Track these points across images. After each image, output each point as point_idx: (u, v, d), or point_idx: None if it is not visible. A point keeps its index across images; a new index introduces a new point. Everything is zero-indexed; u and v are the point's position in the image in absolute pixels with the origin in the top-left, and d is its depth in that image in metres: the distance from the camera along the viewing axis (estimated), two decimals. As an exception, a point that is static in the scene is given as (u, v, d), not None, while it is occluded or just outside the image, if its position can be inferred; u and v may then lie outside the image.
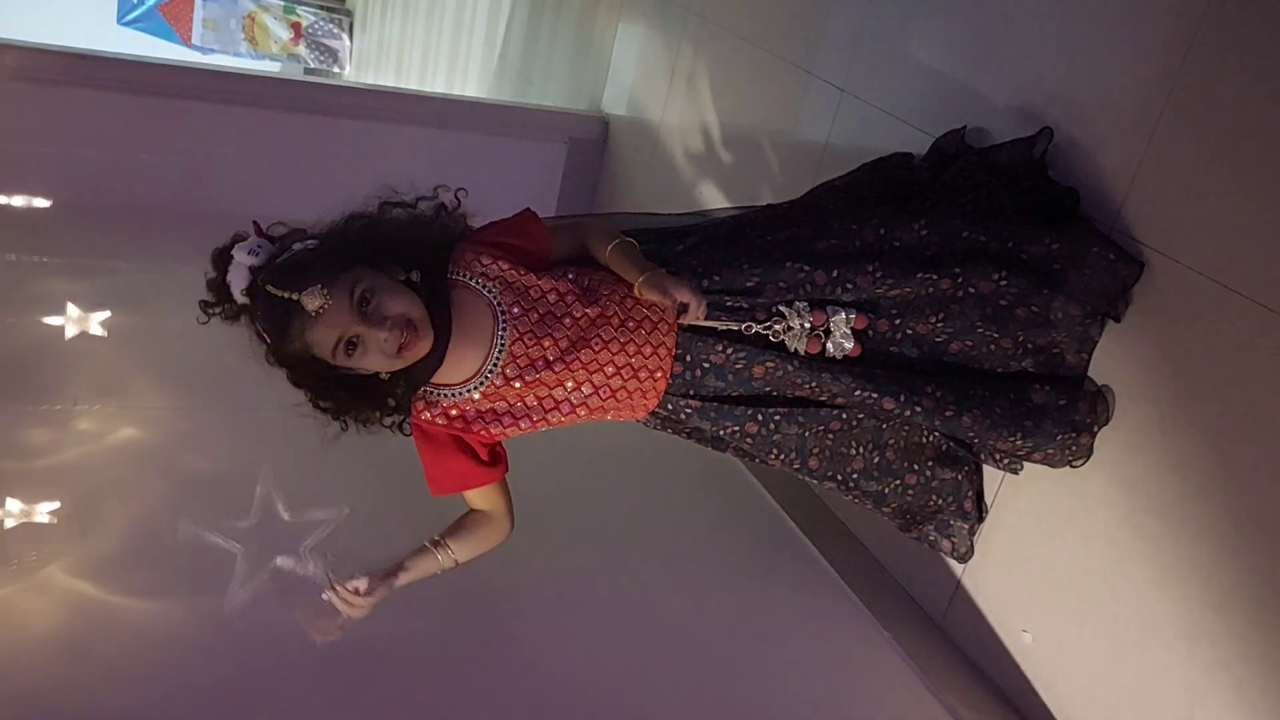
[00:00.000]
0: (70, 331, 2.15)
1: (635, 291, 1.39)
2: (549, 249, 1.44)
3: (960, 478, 1.67)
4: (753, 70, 2.56)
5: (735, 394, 1.48)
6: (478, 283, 1.38)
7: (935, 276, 1.48)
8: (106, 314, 2.20)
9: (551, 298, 1.38)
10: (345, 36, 7.44)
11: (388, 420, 1.41)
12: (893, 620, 1.89)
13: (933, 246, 1.51)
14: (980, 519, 1.73)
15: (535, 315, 1.37)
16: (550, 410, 1.40)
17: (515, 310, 1.36)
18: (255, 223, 1.33)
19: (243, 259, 1.29)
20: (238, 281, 1.29)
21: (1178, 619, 1.51)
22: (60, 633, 1.48)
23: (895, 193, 1.69)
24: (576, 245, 1.46)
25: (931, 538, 1.74)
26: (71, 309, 2.16)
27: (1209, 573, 1.47)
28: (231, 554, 1.64)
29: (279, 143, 2.85)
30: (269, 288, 1.25)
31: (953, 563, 1.83)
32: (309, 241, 1.32)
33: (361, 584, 1.35)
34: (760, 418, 1.49)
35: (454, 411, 1.40)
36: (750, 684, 1.66)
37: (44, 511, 1.70)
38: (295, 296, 1.23)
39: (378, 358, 1.29)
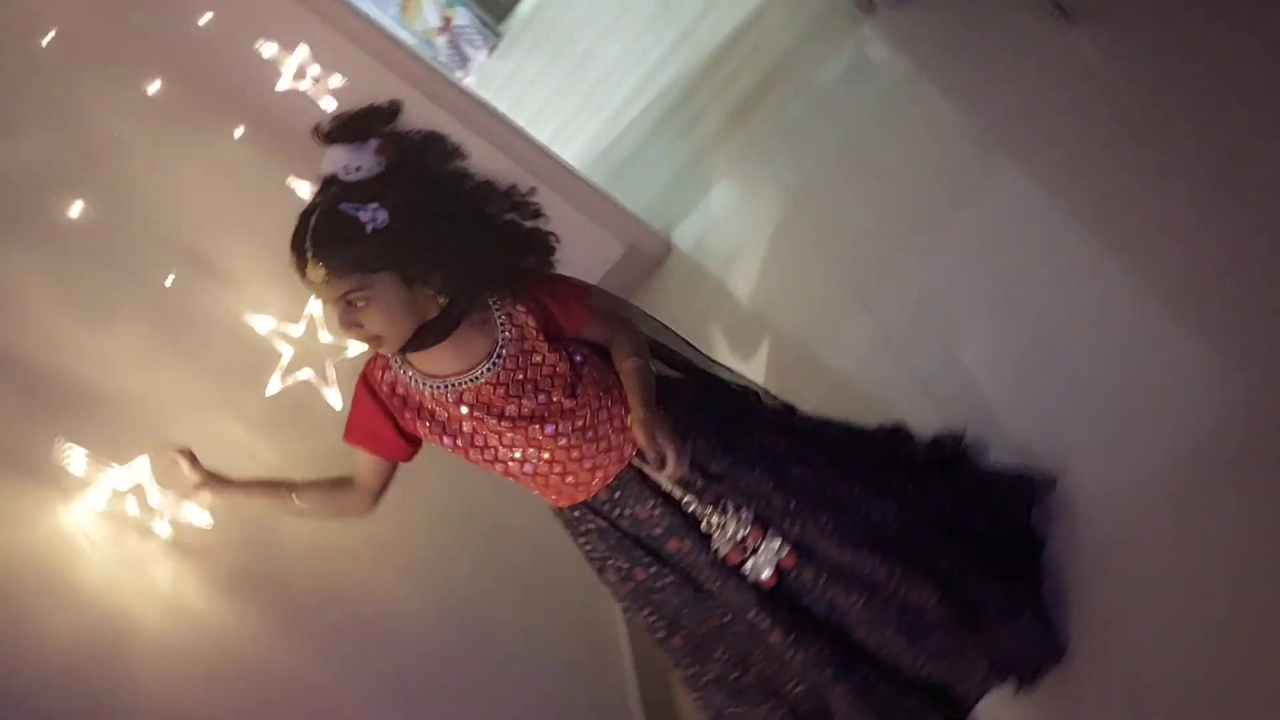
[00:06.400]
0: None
1: (629, 421, 1.40)
2: (580, 331, 1.45)
3: None
4: (818, 276, 2.65)
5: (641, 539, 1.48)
6: (500, 319, 1.40)
7: (877, 561, 1.48)
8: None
9: (545, 370, 1.40)
10: (484, 52, 7.66)
11: None
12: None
13: (891, 533, 1.51)
14: None
15: (522, 375, 1.39)
16: (478, 448, 1.41)
17: (509, 363, 1.38)
18: (384, 141, 1.27)
19: (337, 161, 1.26)
20: (326, 163, 1.27)
21: None
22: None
23: (889, 459, 1.70)
24: (606, 339, 1.48)
25: None
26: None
27: None
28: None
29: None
30: (311, 216, 1.26)
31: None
32: (380, 214, 1.25)
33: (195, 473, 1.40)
34: (653, 570, 1.49)
35: (400, 390, 1.41)
36: None
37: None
38: (309, 253, 1.25)
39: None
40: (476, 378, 1.37)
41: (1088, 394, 1.79)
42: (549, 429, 1.39)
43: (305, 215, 1.28)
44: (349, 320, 1.29)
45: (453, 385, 1.38)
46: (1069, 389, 1.83)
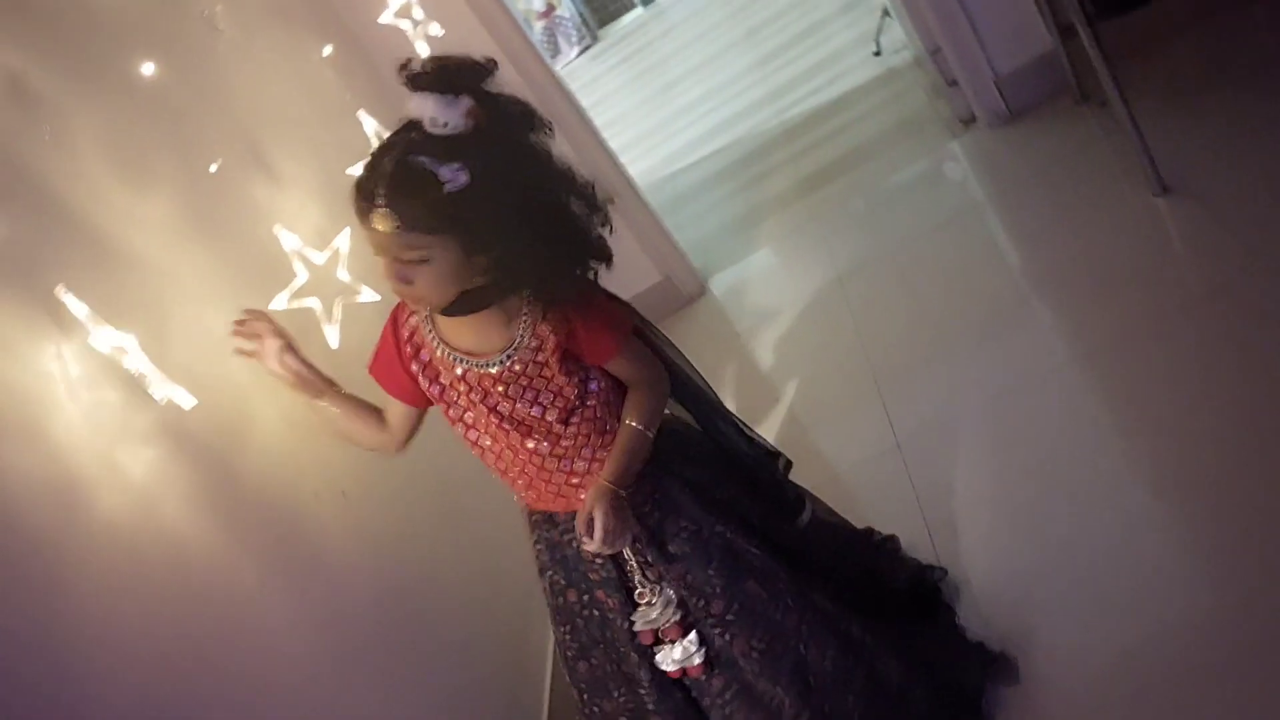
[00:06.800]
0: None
1: (596, 480, 1.36)
2: (602, 364, 1.39)
3: None
4: (844, 364, 2.62)
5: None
6: (525, 321, 1.33)
7: (791, 698, 1.44)
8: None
9: (551, 386, 1.35)
10: (576, 50, 7.72)
11: None
12: None
13: (818, 678, 1.46)
14: None
15: (526, 382, 1.34)
16: (464, 423, 1.39)
17: (517, 366, 1.33)
18: (475, 103, 1.19)
19: (425, 110, 1.17)
20: (413, 107, 1.19)
21: None
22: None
23: (865, 582, 1.63)
24: (627, 382, 1.42)
25: None
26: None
27: None
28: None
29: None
30: (385, 160, 1.18)
31: None
32: (461, 176, 1.17)
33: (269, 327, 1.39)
34: (585, 598, 1.46)
35: (417, 339, 1.37)
36: None
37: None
38: (380, 201, 1.18)
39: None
40: (483, 365, 1.34)
41: (1071, 566, 1.76)
42: (529, 443, 1.36)
43: (379, 158, 1.20)
44: (401, 275, 1.23)
45: (461, 361, 1.35)
46: (1054, 555, 1.80)
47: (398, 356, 1.39)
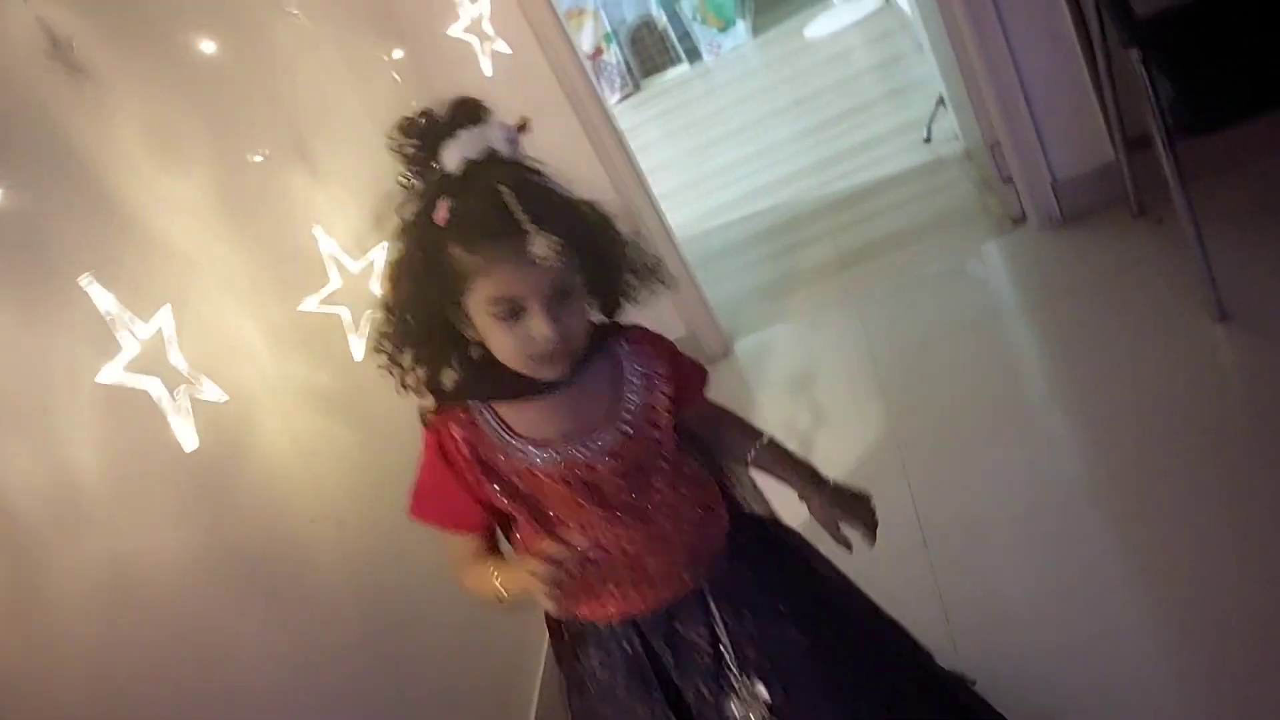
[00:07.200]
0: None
1: (807, 503, 1.24)
2: (694, 403, 1.25)
3: None
4: (867, 451, 2.52)
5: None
6: (632, 382, 1.15)
7: None
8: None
9: (654, 447, 1.15)
10: (616, 96, 7.71)
11: (421, 381, 1.11)
12: None
13: None
14: None
15: (637, 450, 1.13)
16: (545, 533, 1.15)
17: (638, 434, 1.11)
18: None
19: (496, 138, 1.03)
20: (465, 149, 1.02)
21: None
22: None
23: (905, 675, 1.51)
24: (714, 423, 1.29)
25: None
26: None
27: None
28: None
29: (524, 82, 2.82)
30: (502, 189, 0.99)
31: None
32: (556, 186, 1.06)
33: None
34: (657, 710, 1.23)
35: (481, 453, 1.12)
36: None
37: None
38: (529, 227, 0.97)
39: (509, 347, 1.04)
40: (591, 454, 1.11)
41: (1092, 693, 1.70)
42: (652, 528, 1.16)
43: (484, 196, 1.00)
44: (556, 313, 1.03)
45: (554, 456, 1.11)
46: (1074, 679, 1.73)
47: (457, 484, 1.13)
